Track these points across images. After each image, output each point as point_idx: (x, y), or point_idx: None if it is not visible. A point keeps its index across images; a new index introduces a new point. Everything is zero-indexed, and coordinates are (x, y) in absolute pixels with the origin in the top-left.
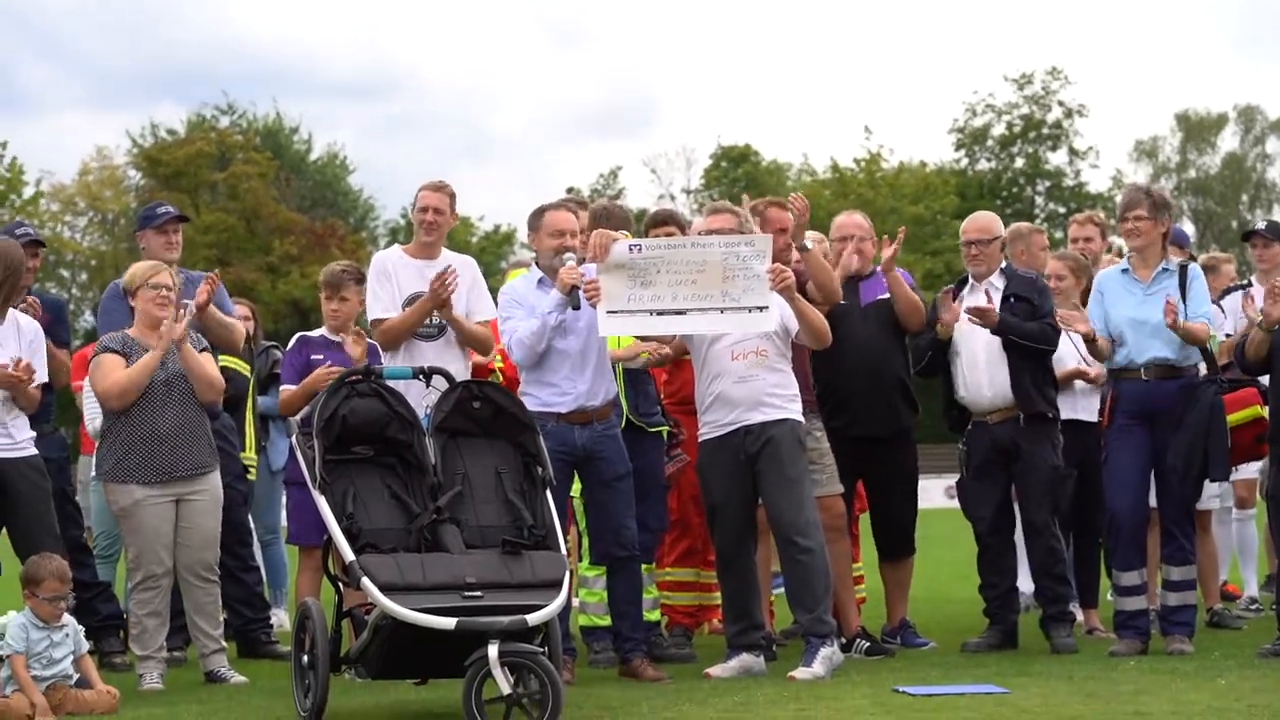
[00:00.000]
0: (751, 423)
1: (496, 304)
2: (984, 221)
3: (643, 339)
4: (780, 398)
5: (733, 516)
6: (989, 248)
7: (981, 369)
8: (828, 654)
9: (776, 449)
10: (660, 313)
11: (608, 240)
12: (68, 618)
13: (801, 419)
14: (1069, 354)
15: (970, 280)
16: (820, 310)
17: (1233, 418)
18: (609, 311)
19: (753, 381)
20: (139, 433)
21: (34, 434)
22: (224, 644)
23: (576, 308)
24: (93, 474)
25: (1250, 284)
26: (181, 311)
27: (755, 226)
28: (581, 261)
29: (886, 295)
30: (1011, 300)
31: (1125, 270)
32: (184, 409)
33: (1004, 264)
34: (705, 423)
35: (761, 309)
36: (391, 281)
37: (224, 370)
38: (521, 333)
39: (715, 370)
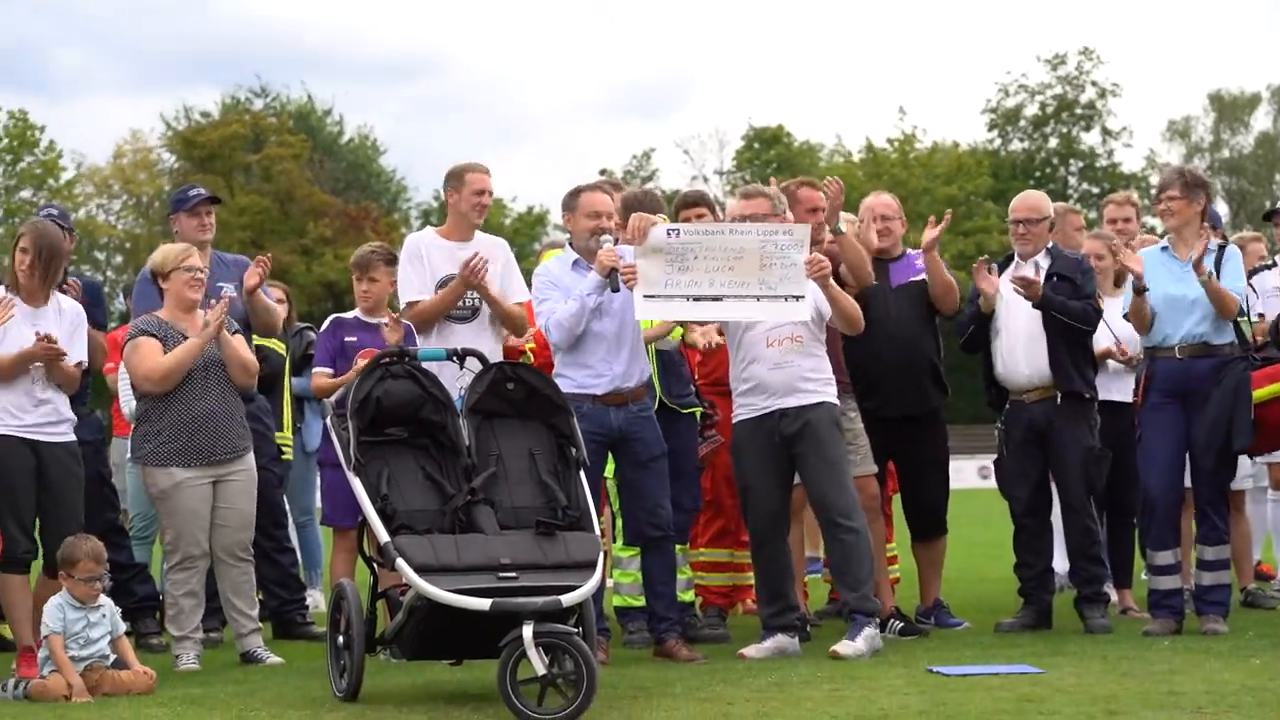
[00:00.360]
0: (787, 406)
1: (530, 285)
2: (1034, 201)
3: (682, 324)
4: (816, 381)
5: (766, 498)
6: (1037, 227)
7: (1020, 346)
8: (871, 633)
9: (815, 432)
10: (697, 298)
11: (646, 224)
12: (104, 599)
13: (837, 401)
14: (1102, 333)
15: (1016, 258)
16: (850, 292)
17: (1261, 392)
18: (646, 296)
19: (788, 367)
20: (178, 417)
21: (74, 418)
22: (260, 624)
23: (616, 289)
24: (128, 456)
25: (1275, 264)
26: (225, 296)
27: (788, 209)
28: (616, 243)
29: (917, 277)
30: (1054, 280)
31: (1165, 249)
32: (221, 393)
33: (1050, 244)
34: (740, 405)
35: (797, 298)
36: (424, 264)
37: (260, 350)
38: (560, 314)
39: (750, 355)
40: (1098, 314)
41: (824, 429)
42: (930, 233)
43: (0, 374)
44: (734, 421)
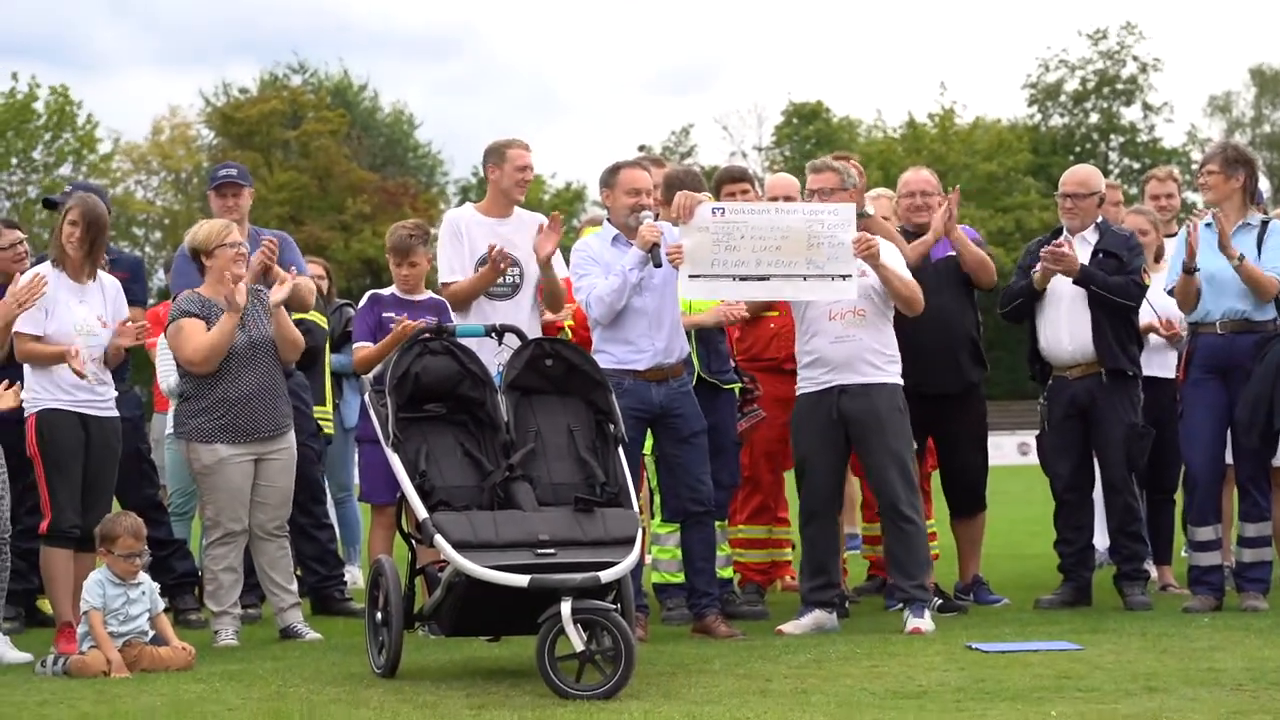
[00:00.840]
0: (848, 382)
1: (567, 262)
2: (1082, 175)
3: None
4: (880, 357)
5: (821, 473)
6: (1084, 202)
7: (1063, 322)
8: (932, 613)
9: (880, 418)
10: (743, 278)
11: (692, 203)
12: (143, 575)
13: (900, 381)
14: (1143, 309)
15: (1064, 233)
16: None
17: None
18: (691, 275)
19: (850, 341)
20: (223, 394)
21: (116, 393)
22: (299, 599)
23: (658, 265)
24: (168, 432)
25: None
26: (287, 274)
27: (858, 180)
28: (656, 218)
29: (954, 253)
30: (1100, 256)
31: (1209, 224)
32: (266, 371)
33: (1099, 219)
34: (803, 379)
35: (845, 277)
36: (463, 242)
37: (303, 324)
38: (601, 290)
39: (813, 329)
40: (1141, 289)
41: (889, 415)
42: (938, 217)
43: (43, 361)
44: (797, 394)
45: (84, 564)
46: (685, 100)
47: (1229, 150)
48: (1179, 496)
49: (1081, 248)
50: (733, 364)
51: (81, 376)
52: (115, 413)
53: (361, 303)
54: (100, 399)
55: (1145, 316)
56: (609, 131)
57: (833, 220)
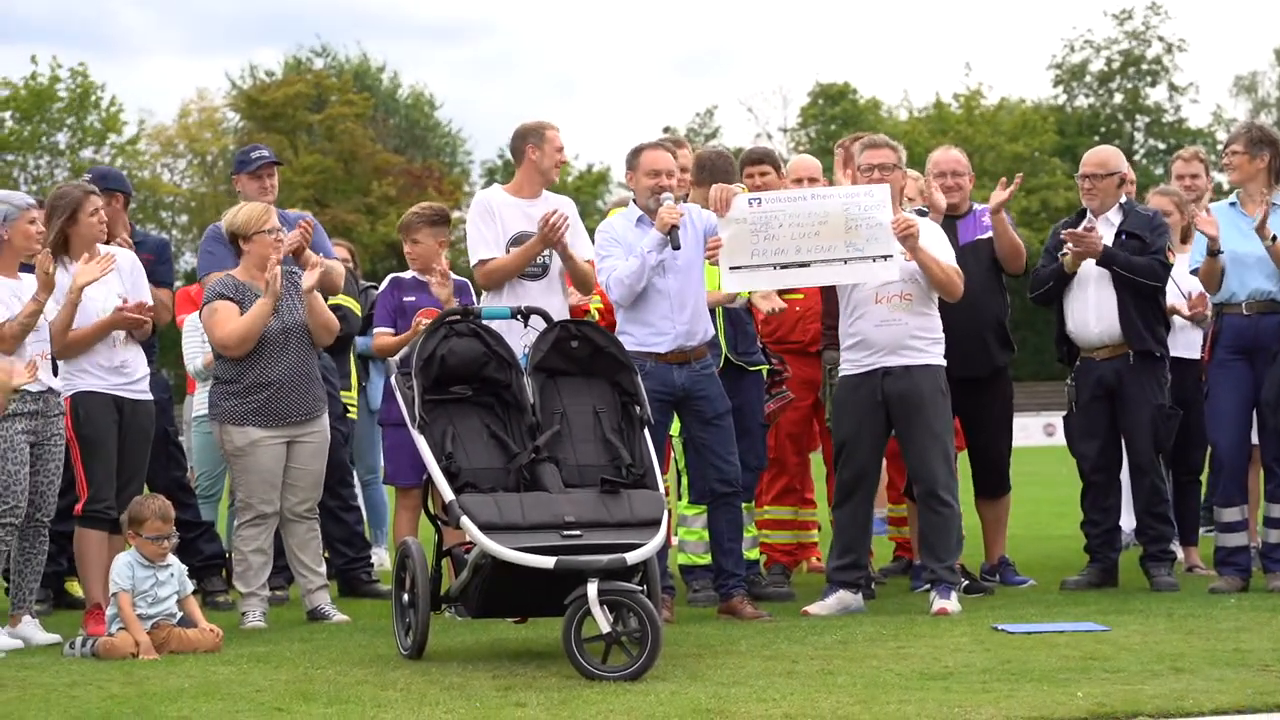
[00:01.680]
0: (891, 365)
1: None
2: (1102, 156)
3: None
4: (923, 340)
5: (862, 454)
6: (1103, 182)
7: (1090, 303)
8: (959, 595)
9: (922, 401)
10: (784, 266)
11: (728, 195)
12: (172, 558)
13: (944, 363)
14: (1170, 294)
15: (1088, 214)
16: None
17: None
18: (732, 267)
19: (895, 325)
20: (257, 377)
21: (149, 373)
22: (327, 582)
23: (677, 247)
24: (194, 414)
25: None
26: (317, 259)
27: (904, 156)
28: (682, 200)
29: (985, 235)
30: (1123, 237)
31: (1233, 204)
32: (300, 355)
33: (1123, 200)
34: (846, 360)
35: (886, 258)
36: (495, 221)
37: (339, 309)
38: (620, 271)
39: (859, 311)
40: (1166, 269)
41: (932, 397)
42: (999, 194)
43: (85, 344)
44: (840, 375)
45: (117, 546)
46: (709, 81)
47: (1253, 131)
48: (1204, 478)
49: (1105, 229)
50: (760, 346)
51: (137, 324)
52: (149, 395)
53: (382, 286)
54: (133, 381)
55: (1170, 297)
56: (632, 113)
57: (869, 202)
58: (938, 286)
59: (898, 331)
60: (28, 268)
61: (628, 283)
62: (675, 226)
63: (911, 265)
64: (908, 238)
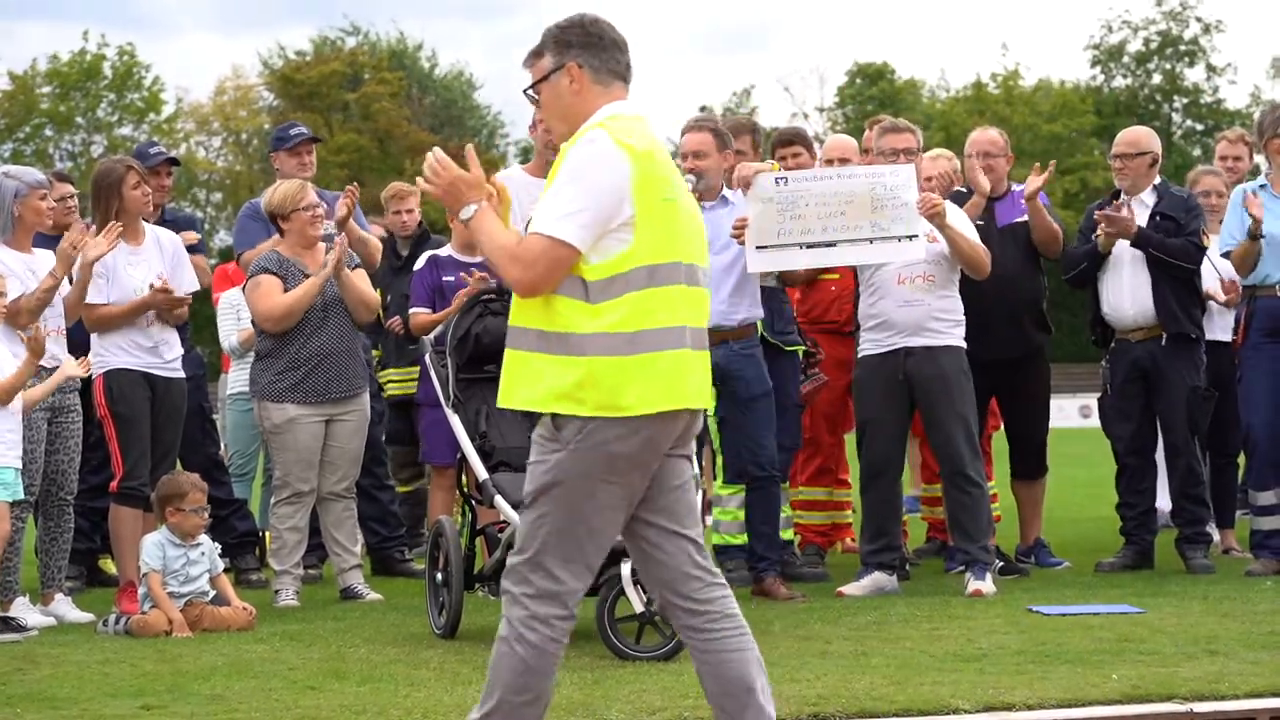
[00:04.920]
0: (913, 345)
1: None
2: (1133, 136)
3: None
4: (945, 323)
5: (884, 434)
6: (1134, 162)
7: (1125, 285)
8: (993, 576)
9: (947, 381)
10: (810, 245)
11: (750, 173)
12: (203, 536)
13: (964, 345)
14: (1206, 273)
15: (1122, 195)
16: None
17: None
18: (758, 247)
19: (917, 306)
20: (297, 354)
21: (182, 353)
22: (360, 560)
23: None
24: (229, 392)
25: None
26: (338, 240)
27: (921, 140)
28: (699, 180)
29: (1023, 218)
30: (1158, 218)
31: (1264, 186)
32: (341, 331)
33: (1158, 181)
34: (866, 340)
35: (911, 237)
36: (514, 202)
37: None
38: None
39: (880, 292)
40: (1200, 251)
41: (955, 377)
42: (1034, 181)
43: (119, 322)
44: (859, 356)
45: (151, 523)
46: (746, 60)
47: None
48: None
49: (1139, 210)
50: (796, 327)
51: (176, 304)
52: (181, 373)
53: (419, 264)
54: (165, 360)
55: (1207, 281)
56: (669, 92)
57: (894, 181)
58: (965, 262)
59: (920, 313)
60: (42, 242)
61: None
62: None
63: (935, 246)
64: (934, 215)
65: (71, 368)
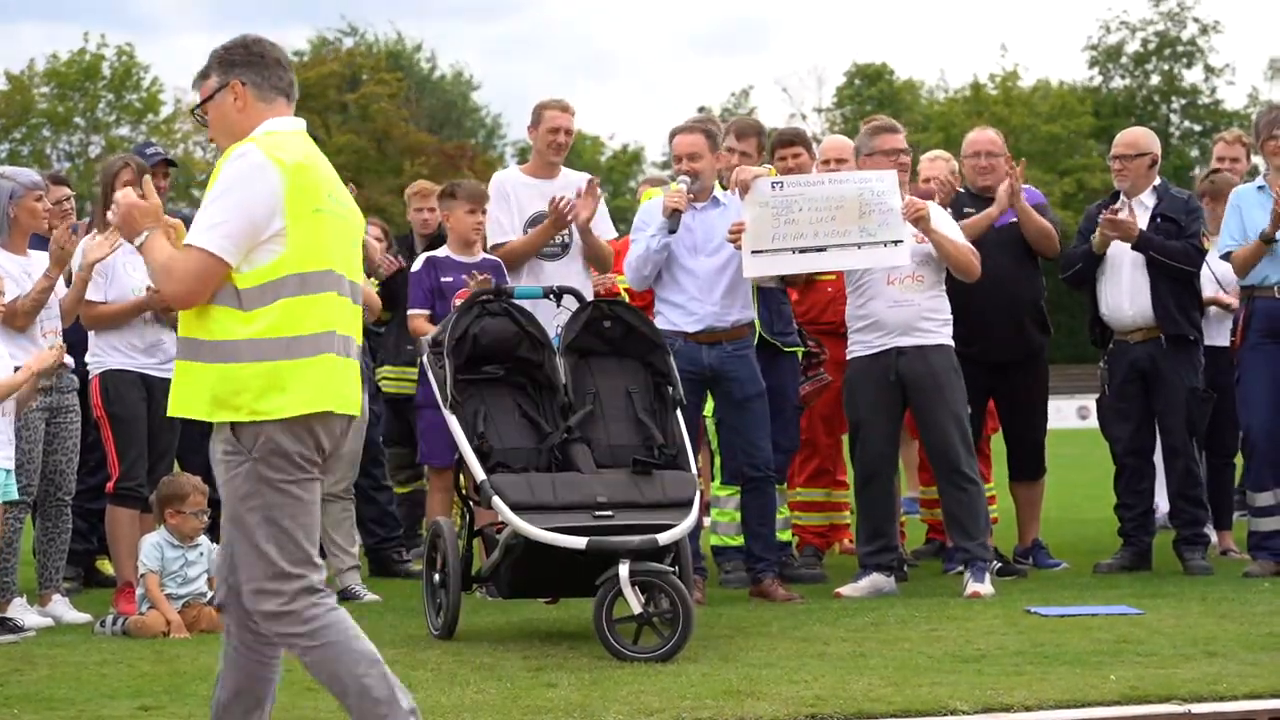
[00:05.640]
0: (904, 345)
1: (617, 224)
2: (1132, 137)
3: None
4: (934, 322)
5: (877, 435)
6: (1133, 163)
7: (1124, 286)
8: (992, 577)
9: (938, 379)
10: (803, 250)
11: (748, 176)
12: (202, 537)
13: (953, 343)
14: (1206, 280)
15: (1121, 197)
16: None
17: None
18: (754, 251)
19: (907, 306)
20: None
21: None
22: (358, 561)
23: (673, 231)
24: None
25: None
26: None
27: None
28: (693, 182)
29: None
30: (1159, 220)
31: (1261, 188)
32: None
33: (1158, 182)
34: (856, 341)
35: (896, 243)
36: (510, 204)
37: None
38: (629, 255)
39: (870, 292)
40: (1200, 254)
41: (946, 376)
42: (1002, 190)
43: (117, 321)
44: (849, 358)
45: (148, 524)
46: (744, 61)
47: None
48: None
49: (1139, 211)
50: (796, 327)
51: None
52: None
53: (416, 266)
54: (162, 361)
55: (1208, 287)
56: (667, 93)
57: (880, 187)
58: (953, 266)
59: (910, 313)
60: (39, 244)
61: (634, 265)
62: (676, 210)
63: (922, 247)
64: (919, 220)
65: (43, 359)
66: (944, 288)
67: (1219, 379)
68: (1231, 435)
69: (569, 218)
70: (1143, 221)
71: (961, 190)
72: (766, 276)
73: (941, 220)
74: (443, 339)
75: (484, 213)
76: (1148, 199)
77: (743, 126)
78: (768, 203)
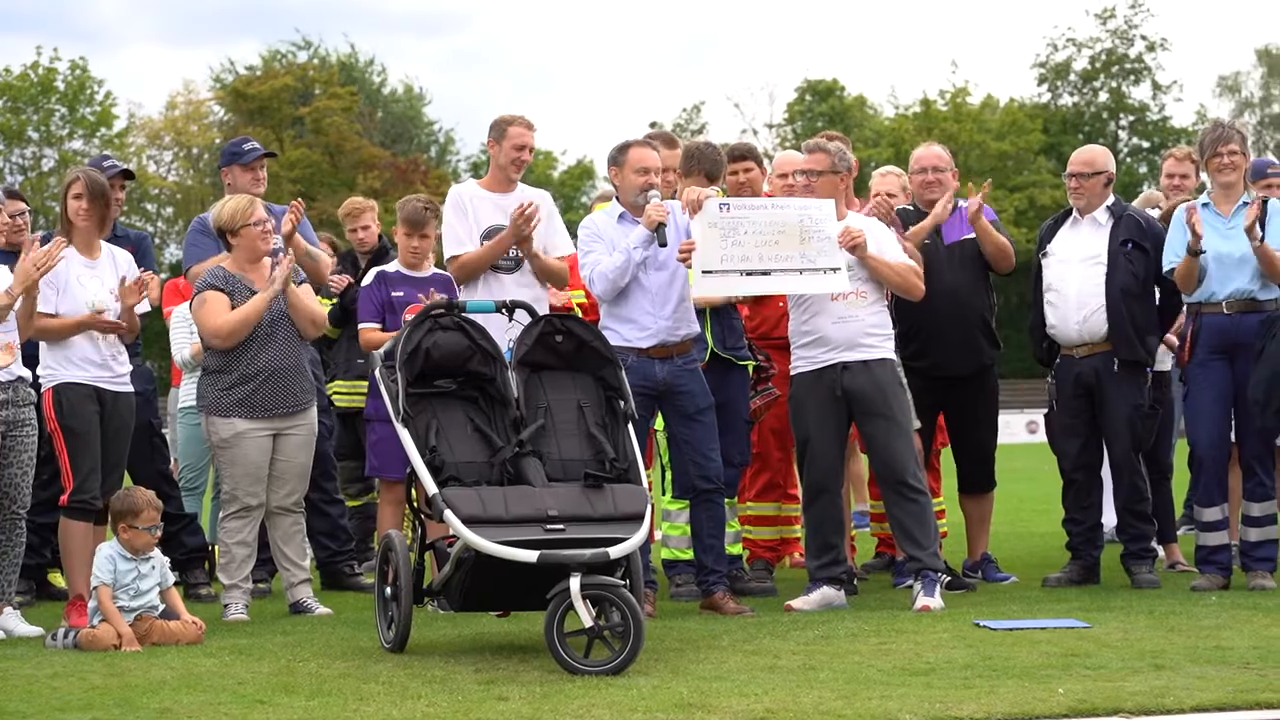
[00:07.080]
0: (849, 360)
1: (575, 238)
2: (1089, 155)
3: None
4: (877, 336)
5: (824, 450)
6: (1089, 181)
7: (1071, 302)
8: (942, 591)
9: (883, 393)
10: (749, 273)
11: (700, 197)
12: (155, 550)
13: (896, 357)
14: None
15: (1074, 214)
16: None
17: None
18: (705, 271)
19: (852, 322)
20: (245, 369)
21: (131, 368)
22: (310, 575)
23: (664, 244)
24: (179, 406)
25: None
26: (284, 256)
27: (852, 159)
28: (670, 197)
29: (970, 235)
30: (1129, 245)
31: (1206, 204)
32: (287, 346)
33: (1111, 200)
34: (800, 357)
35: (834, 270)
36: (469, 216)
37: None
38: (604, 267)
39: (814, 309)
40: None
41: (891, 390)
42: (974, 200)
43: (61, 334)
44: (793, 374)
45: (101, 537)
46: (695, 76)
47: (1240, 130)
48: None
49: (1094, 229)
50: (747, 341)
51: (113, 330)
52: (130, 388)
53: (366, 280)
54: (115, 374)
55: None
56: (617, 108)
57: (819, 215)
58: (894, 289)
59: (854, 328)
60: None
61: (611, 278)
62: (662, 224)
63: (840, 282)
64: (855, 248)
65: None
66: (886, 303)
67: (1159, 395)
68: (1166, 450)
69: (530, 227)
70: (1099, 239)
71: (910, 206)
72: (715, 298)
73: (883, 241)
74: (395, 352)
75: (421, 237)
76: (1101, 216)
77: (737, 151)
78: (715, 223)
